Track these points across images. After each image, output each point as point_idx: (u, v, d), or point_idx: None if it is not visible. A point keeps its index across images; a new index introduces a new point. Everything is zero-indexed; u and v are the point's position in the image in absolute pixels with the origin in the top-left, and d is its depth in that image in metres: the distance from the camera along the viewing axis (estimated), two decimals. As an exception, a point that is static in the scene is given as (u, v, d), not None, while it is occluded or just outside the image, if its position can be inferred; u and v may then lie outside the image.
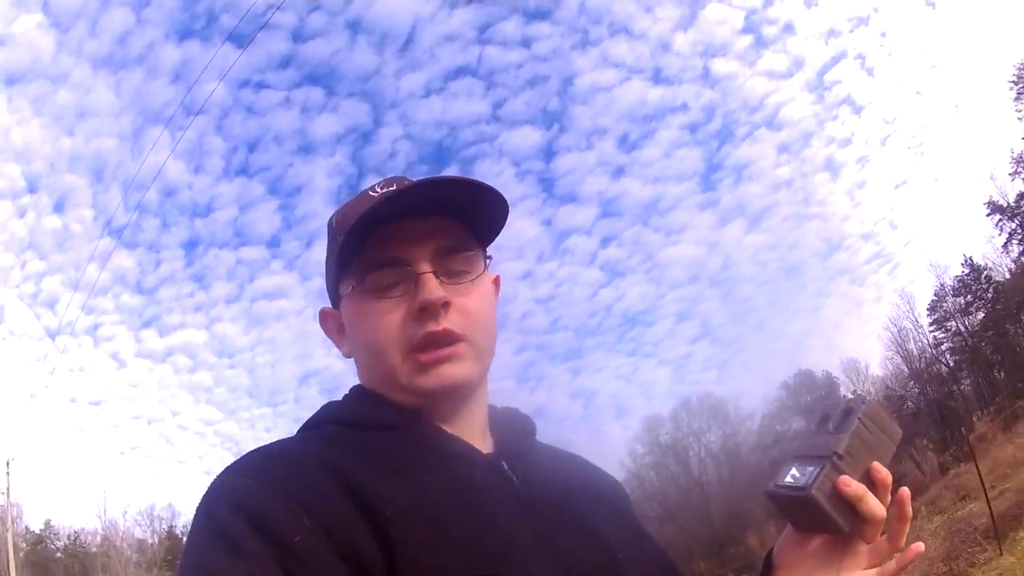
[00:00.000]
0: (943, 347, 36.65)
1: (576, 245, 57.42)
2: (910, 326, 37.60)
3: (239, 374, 59.19)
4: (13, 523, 27.68)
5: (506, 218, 0.92)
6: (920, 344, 37.40)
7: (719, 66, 53.50)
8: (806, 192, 57.66)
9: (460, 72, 57.18)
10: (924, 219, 60.66)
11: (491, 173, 51.34)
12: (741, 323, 59.64)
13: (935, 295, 36.69)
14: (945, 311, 36.10)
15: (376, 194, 0.90)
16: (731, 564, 32.57)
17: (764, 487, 0.90)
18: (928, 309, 36.98)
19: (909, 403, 36.80)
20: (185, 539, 0.78)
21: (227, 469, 0.80)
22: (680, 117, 56.47)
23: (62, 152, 52.96)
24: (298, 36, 57.02)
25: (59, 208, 53.42)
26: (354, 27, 57.95)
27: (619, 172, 58.01)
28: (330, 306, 0.98)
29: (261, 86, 53.91)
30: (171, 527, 42.28)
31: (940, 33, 60.15)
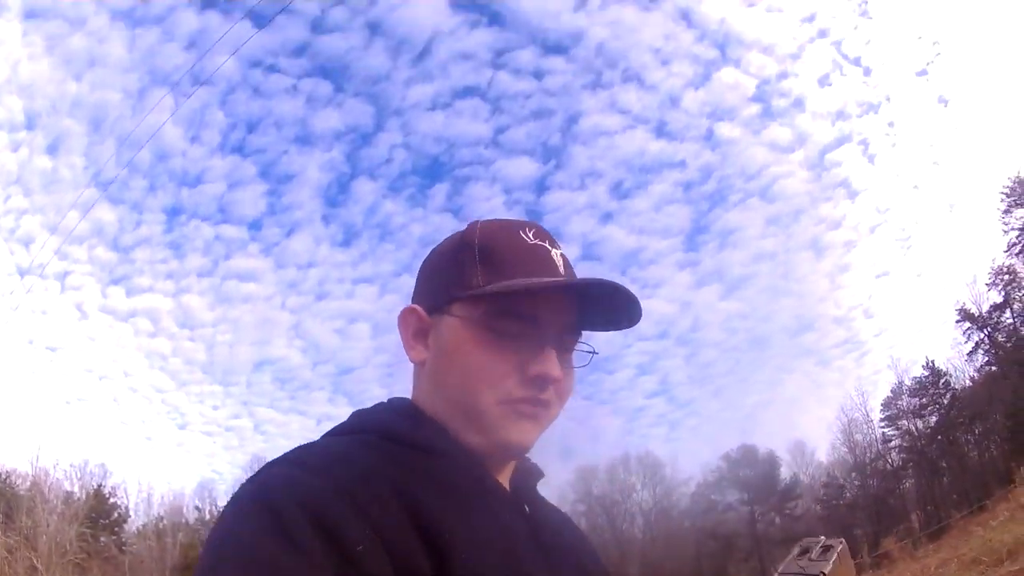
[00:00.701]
0: (891, 444, 36.45)
1: None
2: (860, 418, 37.44)
3: (197, 348, 57.79)
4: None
5: (632, 324, 0.94)
6: (869, 438, 37.20)
7: (724, 130, 53.98)
8: (787, 267, 57.84)
9: (469, 92, 57.91)
10: (899, 313, 60.86)
11: (481, 197, 51.31)
12: (700, 386, 59.61)
13: (892, 392, 36.62)
14: (899, 409, 35.98)
15: (527, 239, 0.91)
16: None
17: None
18: (882, 405, 36.92)
19: (847, 493, 36.58)
20: (223, 521, 0.73)
21: (284, 460, 0.78)
22: (676, 174, 56.02)
23: (66, 95, 52.76)
24: (317, 26, 57.08)
25: (52, 150, 52.81)
26: (373, 28, 58.80)
27: (606, 218, 58.59)
28: (417, 306, 0.94)
29: (272, 69, 53.36)
30: (100, 485, 42.04)
31: (947, 132, 60.52)
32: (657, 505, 42.87)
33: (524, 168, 58.21)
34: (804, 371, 54.50)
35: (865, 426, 37.27)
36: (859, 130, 57.00)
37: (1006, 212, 33.98)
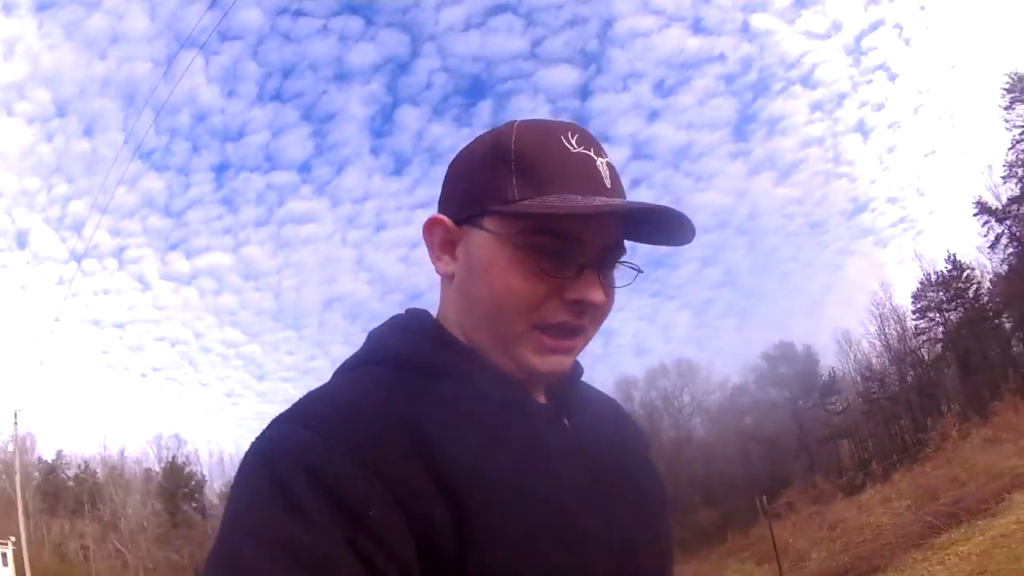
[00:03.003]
0: (923, 336, 36.61)
1: None
2: (888, 311, 37.57)
3: (264, 297, 61.34)
4: (20, 471, 29.43)
5: (685, 243, 0.85)
6: (901, 329, 37.44)
7: (758, 21, 55.46)
8: (836, 151, 57.03)
9: (500, 8, 59.15)
10: (950, 190, 59.86)
11: (526, 109, 51.35)
12: (764, 274, 59.81)
13: (921, 283, 36.51)
14: (929, 301, 36.00)
15: (571, 146, 0.81)
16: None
17: None
18: (912, 297, 36.84)
19: (889, 387, 37.12)
20: (235, 490, 0.70)
21: (286, 417, 0.74)
22: (717, 67, 56.66)
23: (94, 76, 54.22)
24: None
25: (88, 132, 55.98)
26: None
27: (653, 116, 60.21)
28: (443, 216, 0.86)
29: (299, 14, 54.91)
30: (174, 457, 44.49)
31: (979, 9, 57.69)
32: (698, 410, 43.80)
33: (565, 76, 59.90)
34: (864, 252, 53.63)
35: (893, 318, 37.34)
36: (892, 14, 56.44)
37: (1008, 107, 31.96)
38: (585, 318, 0.82)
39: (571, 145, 0.82)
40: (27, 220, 53.18)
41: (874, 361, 38.32)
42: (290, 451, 0.69)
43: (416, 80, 58.35)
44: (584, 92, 58.60)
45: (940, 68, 59.27)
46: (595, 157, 0.82)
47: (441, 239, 0.86)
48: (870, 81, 57.39)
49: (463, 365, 0.82)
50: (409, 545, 0.66)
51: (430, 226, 0.87)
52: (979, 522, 12.68)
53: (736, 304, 61.10)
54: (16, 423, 29.12)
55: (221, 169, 61.50)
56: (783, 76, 56.81)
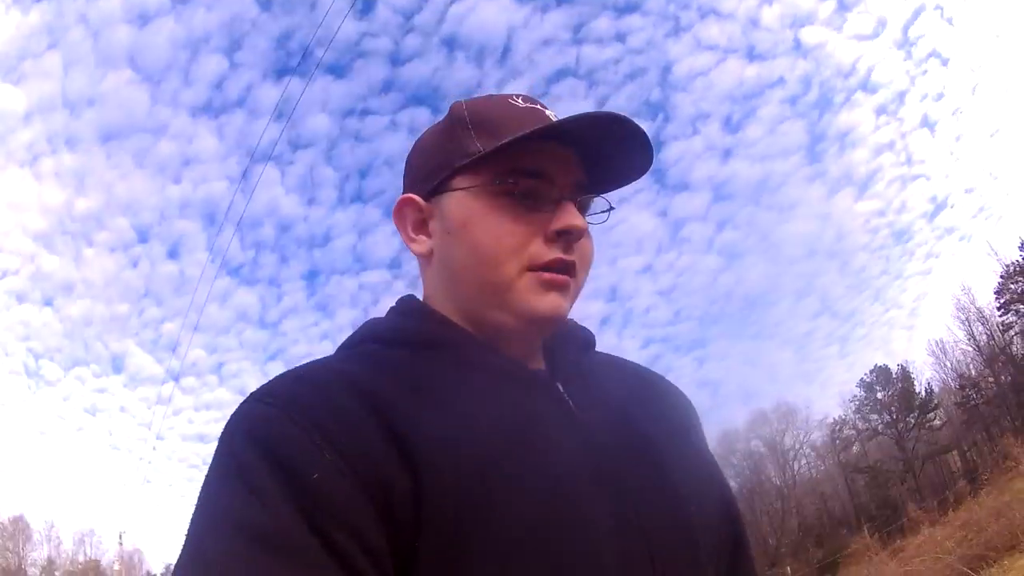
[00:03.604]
0: (1012, 331, 34.55)
1: (693, 232, 58.88)
2: (972, 311, 35.72)
3: None
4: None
5: (646, 169, 0.85)
6: (989, 328, 35.44)
7: (808, 35, 56.00)
8: (907, 152, 57.05)
9: (560, 74, 60.71)
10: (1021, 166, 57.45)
11: None
12: (858, 293, 58.81)
13: (1001, 276, 34.70)
14: (1011, 294, 34.08)
15: (518, 104, 0.83)
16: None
17: None
18: (995, 292, 34.99)
19: (983, 392, 34.95)
20: (208, 467, 0.69)
21: (252, 394, 0.72)
22: (779, 92, 56.99)
23: (170, 200, 57.35)
24: (395, 60, 60.80)
25: (173, 254, 58.45)
26: (450, 44, 62.07)
27: (727, 154, 59.79)
28: (412, 194, 0.85)
29: (366, 113, 58.53)
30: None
31: None
32: (801, 452, 42.54)
33: None
34: (950, 252, 52.38)
35: (978, 319, 35.63)
36: (931, -4, 54.40)
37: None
38: (573, 252, 0.80)
39: (518, 103, 0.84)
40: (120, 345, 56.16)
41: (968, 367, 36.34)
42: (246, 427, 0.69)
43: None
44: (656, 143, 58.70)
45: (986, 41, 58.25)
46: (543, 109, 0.84)
47: (414, 219, 0.86)
48: (925, 72, 57.88)
49: (441, 337, 0.82)
50: (367, 513, 0.64)
51: (400, 208, 0.87)
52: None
53: (836, 331, 60.58)
54: (121, 544, 30.83)
55: (312, 276, 63.01)
56: (843, 87, 56.97)
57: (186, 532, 0.66)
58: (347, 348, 0.85)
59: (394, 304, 0.89)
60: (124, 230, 59.00)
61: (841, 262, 59.85)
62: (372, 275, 59.49)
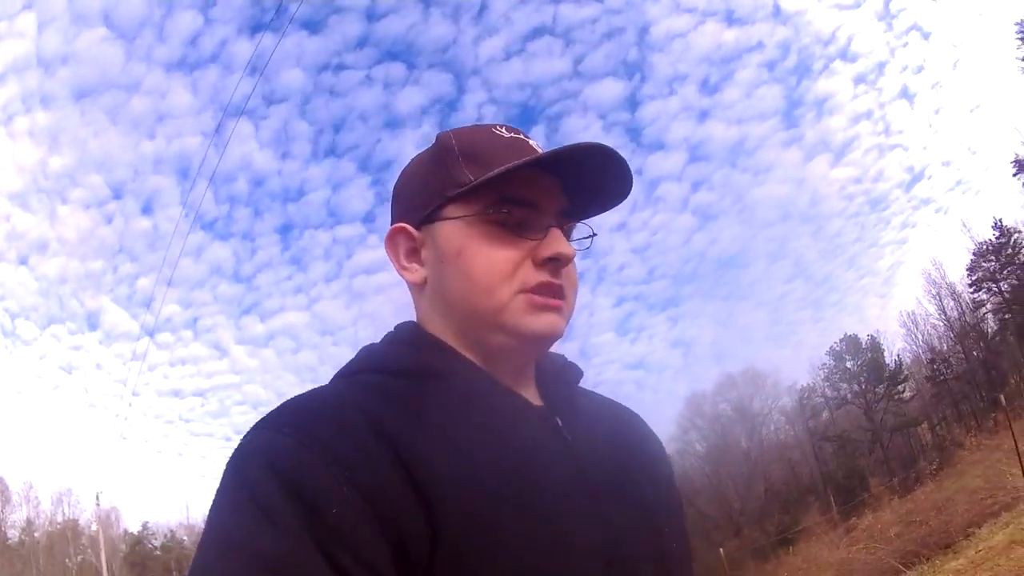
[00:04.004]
0: (984, 309, 35.05)
1: (668, 192, 57.23)
2: (943, 286, 36.12)
3: (342, 351, 59.79)
4: (104, 549, 30.61)
5: (625, 195, 0.89)
6: (961, 304, 35.92)
7: (787, 2, 54.80)
8: (886, 122, 56.19)
9: (537, 32, 58.63)
10: (1001, 144, 58.05)
11: (578, 128, 51.66)
12: (832, 259, 58.80)
13: (973, 254, 35.05)
14: (983, 272, 34.48)
15: (503, 134, 0.87)
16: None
17: None
18: (967, 270, 35.39)
19: (953, 367, 35.57)
20: (214, 496, 0.70)
21: (262, 422, 0.73)
22: (757, 56, 55.17)
23: (144, 156, 56.15)
24: (371, 16, 58.91)
25: (147, 210, 56.74)
26: (426, 1, 59.88)
27: (703, 116, 58.35)
28: (403, 223, 0.89)
29: (341, 67, 55.81)
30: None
31: None
32: (769, 417, 42.83)
33: (611, 89, 58.54)
34: (926, 223, 52.33)
35: (948, 292, 36.07)
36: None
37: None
38: (561, 277, 0.84)
39: (502, 133, 0.88)
40: (95, 301, 54.20)
41: (938, 341, 36.89)
42: (261, 455, 0.69)
43: (466, 116, 58.63)
44: (632, 103, 59.48)
45: (967, 17, 58.11)
46: (526, 139, 0.88)
47: (406, 248, 0.89)
48: (906, 44, 56.06)
49: (446, 366, 0.83)
50: (383, 549, 0.65)
51: (392, 236, 0.89)
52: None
53: (809, 295, 60.53)
54: (98, 504, 30.37)
55: (286, 230, 61.29)
56: (822, 54, 54.81)
57: (194, 559, 0.67)
58: (346, 376, 0.85)
59: (391, 331, 0.90)
60: (98, 187, 56.37)
61: (816, 227, 60.16)
62: (346, 229, 58.40)
